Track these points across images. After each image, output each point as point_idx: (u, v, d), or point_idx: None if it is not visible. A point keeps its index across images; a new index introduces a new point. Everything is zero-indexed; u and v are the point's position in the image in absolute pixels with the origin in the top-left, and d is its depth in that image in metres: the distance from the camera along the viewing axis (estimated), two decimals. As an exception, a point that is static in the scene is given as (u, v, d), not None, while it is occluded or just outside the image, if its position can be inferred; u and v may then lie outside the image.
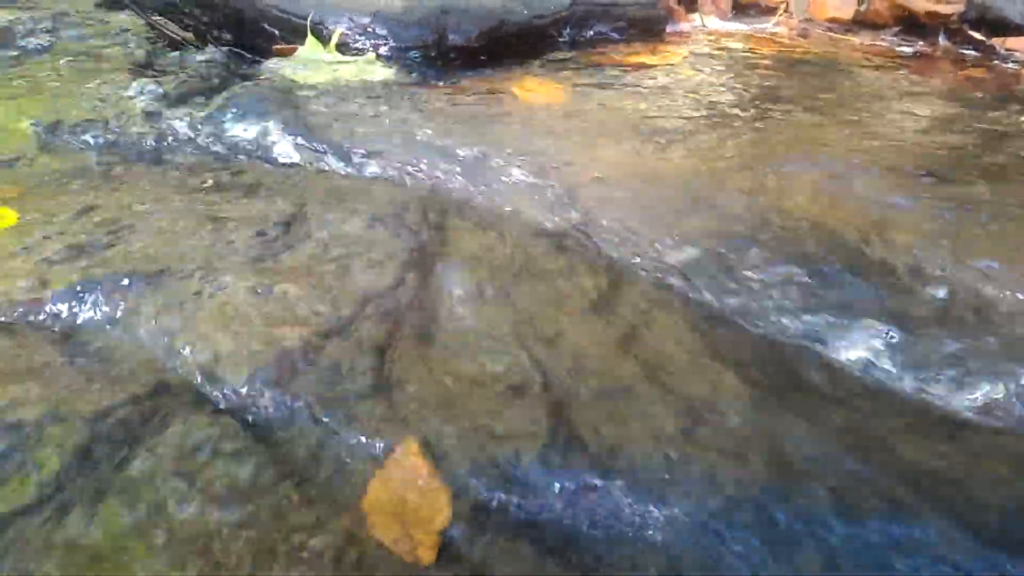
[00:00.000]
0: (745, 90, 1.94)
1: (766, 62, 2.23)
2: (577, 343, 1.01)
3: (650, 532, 0.78)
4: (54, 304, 1.03)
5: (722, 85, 1.98)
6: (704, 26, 2.63)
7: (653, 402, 0.91)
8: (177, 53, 2.22)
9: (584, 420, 0.88)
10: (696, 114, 1.74)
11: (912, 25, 2.62)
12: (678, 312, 1.09)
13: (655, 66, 2.14)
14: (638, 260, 1.20)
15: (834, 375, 1.00)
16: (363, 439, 0.86)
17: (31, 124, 1.69)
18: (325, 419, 0.89)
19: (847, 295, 1.10)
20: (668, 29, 2.51)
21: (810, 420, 0.90)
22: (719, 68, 2.16)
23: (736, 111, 1.77)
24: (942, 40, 2.54)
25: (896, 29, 2.62)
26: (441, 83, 1.93)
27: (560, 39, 2.33)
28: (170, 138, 1.63)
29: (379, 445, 0.86)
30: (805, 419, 0.90)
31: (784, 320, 1.08)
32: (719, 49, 2.37)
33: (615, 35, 2.41)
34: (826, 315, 1.07)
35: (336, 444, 0.86)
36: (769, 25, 2.69)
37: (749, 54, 2.33)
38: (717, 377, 0.96)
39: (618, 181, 1.40)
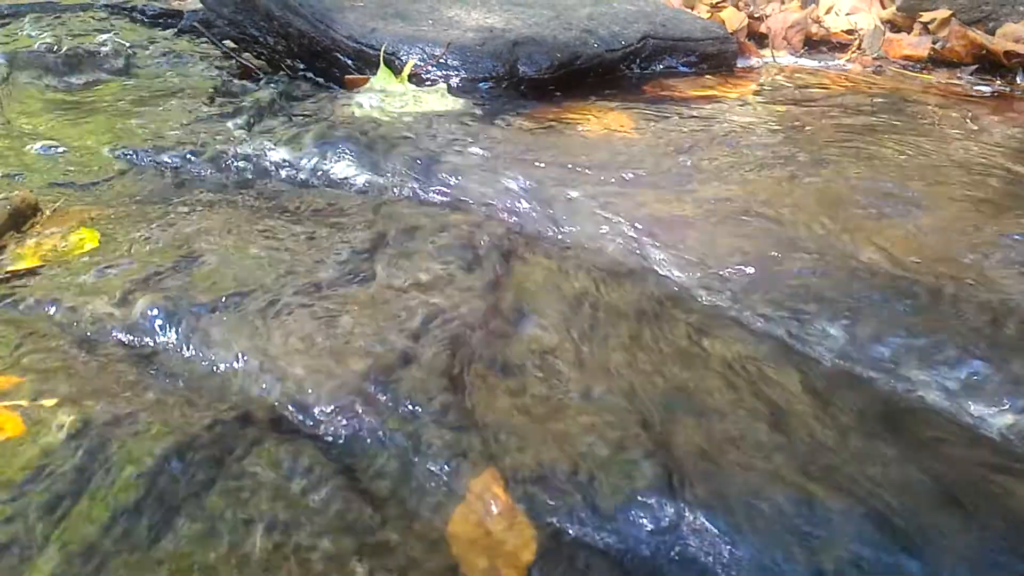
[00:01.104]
0: (818, 127, 1.90)
1: (839, 99, 2.19)
2: (664, 376, 0.98)
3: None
4: (134, 324, 1.04)
5: (793, 121, 1.95)
6: (775, 62, 2.60)
7: (751, 438, 0.88)
8: (251, 81, 2.26)
9: (676, 454, 0.86)
10: (768, 149, 1.71)
11: (990, 64, 2.57)
12: (773, 356, 1.05)
13: (726, 101, 2.11)
14: (723, 304, 1.17)
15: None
16: (444, 468, 0.85)
17: (110, 148, 1.72)
18: (404, 447, 0.87)
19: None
20: (738, 64, 2.49)
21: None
22: (790, 104, 2.13)
23: (809, 147, 1.73)
24: (1020, 79, 2.48)
25: (973, 68, 2.57)
26: (512, 115, 1.92)
27: (630, 72, 2.32)
28: (245, 164, 1.65)
29: (460, 475, 0.84)
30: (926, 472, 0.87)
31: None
32: (790, 85, 2.34)
33: (685, 69, 2.40)
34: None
35: (417, 472, 0.85)
36: (841, 62, 2.66)
37: (821, 90, 2.29)
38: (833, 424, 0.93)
39: (693, 217, 1.38)
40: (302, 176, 1.60)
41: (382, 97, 1.98)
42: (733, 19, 2.72)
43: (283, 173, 1.62)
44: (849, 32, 2.82)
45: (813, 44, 2.78)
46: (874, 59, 2.67)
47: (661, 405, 0.94)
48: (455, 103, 1.98)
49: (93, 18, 2.95)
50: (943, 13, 2.83)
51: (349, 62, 2.20)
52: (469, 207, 1.46)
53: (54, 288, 1.11)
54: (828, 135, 1.84)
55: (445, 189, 1.52)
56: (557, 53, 2.18)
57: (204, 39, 2.60)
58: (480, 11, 2.33)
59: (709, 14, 2.86)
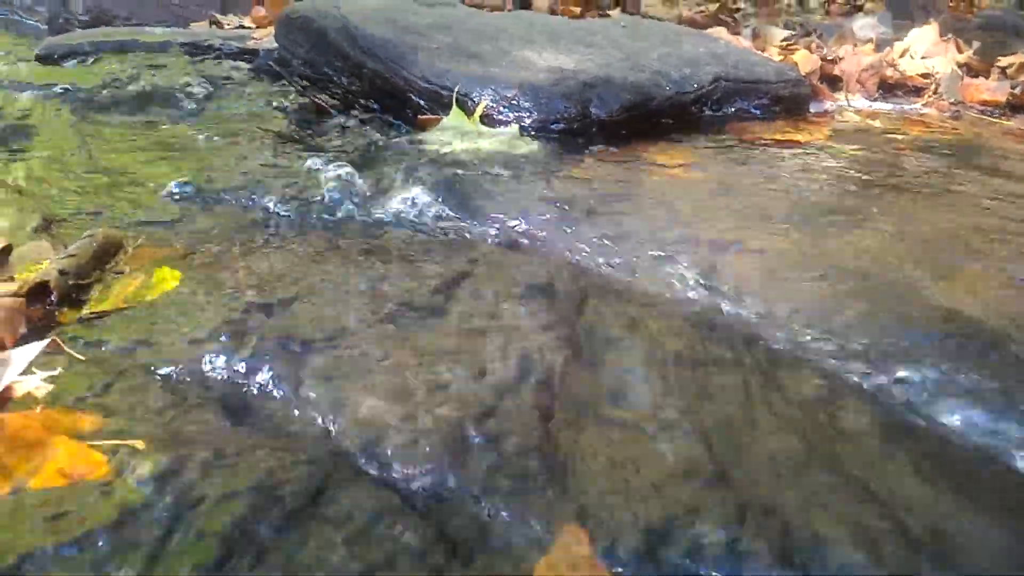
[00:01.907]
0: (894, 172, 1.86)
1: (916, 144, 2.15)
2: (748, 431, 0.96)
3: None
4: (217, 366, 1.04)
5: (869, 166, 1.92)
6: (849, 105, 2.57)
7: (843, 494, 0.85)
8: (325, 119, 2.29)
9: (769, 510, 0.83)
10: (844, 195, 1.68)
11: (1073, 109, 2.51)
12: (854, 408, 1.02)
13: (800, 144, 2.09)
14: (800, 351, 1.14)
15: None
16: (528, 521, 0.83)
17: (187, 185, 1.75)
18: (489, 497, 0.85)
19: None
20: (812, 108, 2.46)
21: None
22: (865, 148, 2.09)
23: (884, 193, 1.70)
24: (1103, 125, 2.42)
25: (1055, 113, 2.51)
26: (585, 157, 1.92)
27: (702, 115, 2.30)
28: (322, 204, 1.66)
29: (545, 528, 0.82)
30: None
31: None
32: (865, 129, 2.31)
33: (757, 112, 2.37)
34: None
35: (500, 523, 0.83)
36: (917, 106, 2.61)
37: (897, 135, 2.25)
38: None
39: (767, 262, 1.36)
40: (377, 215, 1.60)
41: (455, 137, 1.99)
42: (806, 62, 2.69)
43: (359, 212, 1.63)
44: (925, 76, 2.77)
45: (888, 88, 2.74)
46: (951, 104, 2.62)
47: (746, 463, 0.91)
48: (527, 144, 1.98)
49: (171, 57, 3.02)
50: (1021, 58, 2.78)
51: (421, 102, 2.22)
52: (545, 250, 1.45)
53: (138, 328, 1.12)
54: (907, 181, 1.80)
55: (519, 231, 1.51)
56: (628, 95, 2.17)
57: (279, 78, 2.65)
58: (551, 52, 2.33)
59: (781, 56, 2.84)
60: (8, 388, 0.90)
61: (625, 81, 2.20)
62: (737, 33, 3.41)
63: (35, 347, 0.94)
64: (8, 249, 1.26)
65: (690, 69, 2.33)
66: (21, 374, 0.93)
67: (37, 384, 0.90)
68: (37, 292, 1.13)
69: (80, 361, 1.01)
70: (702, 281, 1.30)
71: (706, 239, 1.43)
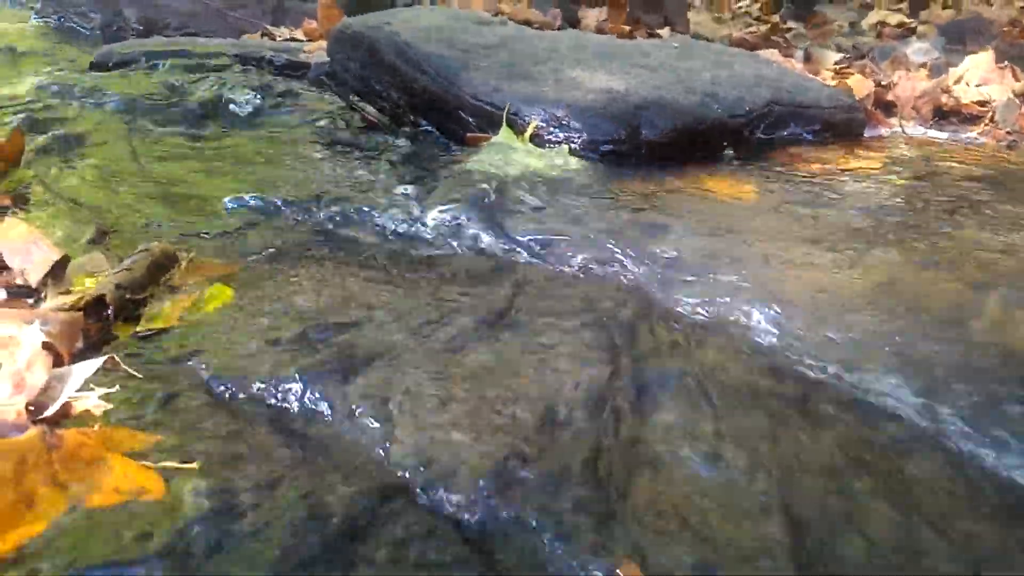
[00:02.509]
0: (953, 202, 1.82)
1: (973, 173, 2.10)
2: (807, 472, 0.94)
3: None
4: (270, 385, 1.04)
5: (925, 195, 1.88)
6: (903, 132, 2.53)
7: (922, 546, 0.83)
8: (374, 134, 2.30)
9: (830, 554, 0.81)
10: (899, 225, 1.64)
11: None
12: (931, 459, 0.99)
13: (855, 172, 2.05)
14: (872, 395, 1.12)
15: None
16: (583, 557, 0.82)
17: (237, 198, 1.76)
18: (542, 532, 0.84)
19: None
20: (866, 133, 2.42)
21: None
22: (921, 178, 2.05)
23: (943, 224, 1.66)
24: None
25: (1116, 144, 2.45)
26: (635, 179, 1.90)
27: (753, 138, 2.28)
28: (370, 220, 1.66)
29: (600, 565, 0.81)
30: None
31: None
32: (920, 157, 2.27)
33: (809, 136, 2.34)
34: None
35: (555, 559, 0.82)
36: (973, 135, 2.57)
37: (953, 163, 2.21)
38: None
39: (825, 294, 1.33)
40: (429, 233, 1.60)
41: (505, 157, 1.98)
42: (860, 86, 2.65)
43: (409, 230, 1.62)
44: (981, 104, 2.72)
45: (943, 115, 2.69)
46: (1007, 133, 2.57)
47: (807, 504, 0.89)
48: (577, 165, 1.97)
49: (223, 67, 3.05)
50: (1081, 86, 2.72)
51: (471, 119, 2.22)
52: (596, 274, 1.44)
53: (192, 345, 1.12)
54: (964, 213, 1.76)
55: (569, 254, 1.50)
56: (679, 117, 2.15)
57: (330, 91, 2.66)
58: (602, 73, 2.32)
59: (835, 80, 2.80)
60: (67, 404, 0.90)
61: (676, 103, 2.18)
62: (789, 55, 3.38)
63: (93, 363, 0.94)
64: (65, 261, 1.27)
65: (742, 92, 2.31)
66: (78, 390, 0.93)
67: (96, 402, 0.91)
68: (94, 306, 1.14)
69: (135, 378, 1.01)
70: (761, 312, 1.28)
71: (761, 266, 1.41)
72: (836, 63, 3.30)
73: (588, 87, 2.23)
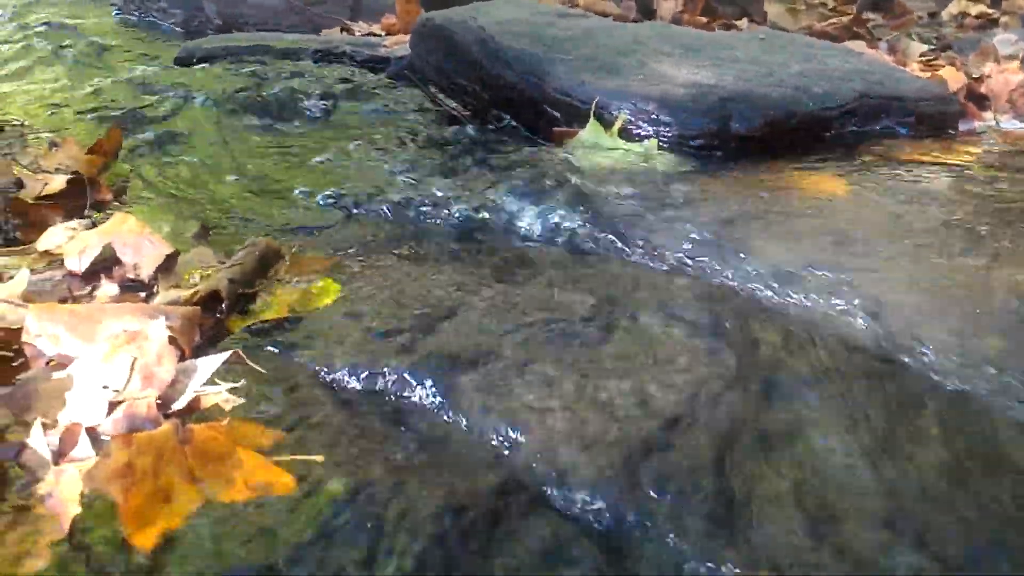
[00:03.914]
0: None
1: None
2: (932, 483, 0.91)
3: None
4: (389, 381, 1.04)
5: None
6: (999, 126, 2.45)
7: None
8: (457, 129, 2.29)
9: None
10: (1005, 224, 1.59)
11: None
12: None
13: (954, 168, 1.99)
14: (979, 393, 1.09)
15: None
16: (710, 565, 0.80)
17: (328, 194, 1.77)
18: (668, 535, 0.83)
19: None
20: (960, 127, 2.35)
21: None
22: (1021, 172, 1.99)
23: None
24: None
25: None
26: (727, 174, 1.88)
27: (844, 130, 2.22)
28: (462, 216, 1.66)
29: (729, 573, 0.80)
30: None
31: None
32: (1019, 152, 2.20)
33: (902, 130, 2.28)
34: None
35: (681, 563, 0.81)
36: (1072, 127, 2.48)
37: (1054, 159, 2.14)
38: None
39: (933, 295, 1.30)
40: (524, 231, 1.60)
41: (594, 152, 1.97)
42: (953, 79, 2.58)
43: (502, 226, 1.62)
44: (1080, 95, 2.63)
45: (1040, 108, 2.61)
46: (1108, 125, 2.48)
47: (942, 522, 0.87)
48: (667, 160, 1.94)
49: (304, 62, 3.08)
50: None
51: (556, 114, 2.21)
52: (698, 272, 1.42)
53: (306, 338, 1.13)
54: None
55: (666, 251, 1.48)
56: (769, 110, 2.11)
57: (411, 85, 2.67)
58: (689, 66, 2.29)
59: (925, 72, 2.73)
60: (196, 398, 0.91)
61: (765, 96, 2.14)
62: (874, 47, 3.30)
63: (219, 357, 0.96)
64: (175, 255, 1.29)
65: (832, 84, 2.26)
66: (204, 384, 0.95)
67: (225, 396, 0.92)
68: (208, 301, 1.15)
69: (255, 372, 1.02)
70: (870, 314, 1.25)
71: (856, 265, 1.37)
72: (922, 55, 3.21)
73: (676, 80, 2.20)
